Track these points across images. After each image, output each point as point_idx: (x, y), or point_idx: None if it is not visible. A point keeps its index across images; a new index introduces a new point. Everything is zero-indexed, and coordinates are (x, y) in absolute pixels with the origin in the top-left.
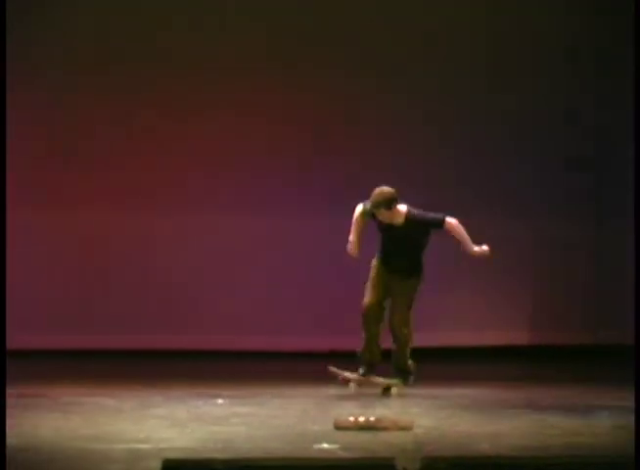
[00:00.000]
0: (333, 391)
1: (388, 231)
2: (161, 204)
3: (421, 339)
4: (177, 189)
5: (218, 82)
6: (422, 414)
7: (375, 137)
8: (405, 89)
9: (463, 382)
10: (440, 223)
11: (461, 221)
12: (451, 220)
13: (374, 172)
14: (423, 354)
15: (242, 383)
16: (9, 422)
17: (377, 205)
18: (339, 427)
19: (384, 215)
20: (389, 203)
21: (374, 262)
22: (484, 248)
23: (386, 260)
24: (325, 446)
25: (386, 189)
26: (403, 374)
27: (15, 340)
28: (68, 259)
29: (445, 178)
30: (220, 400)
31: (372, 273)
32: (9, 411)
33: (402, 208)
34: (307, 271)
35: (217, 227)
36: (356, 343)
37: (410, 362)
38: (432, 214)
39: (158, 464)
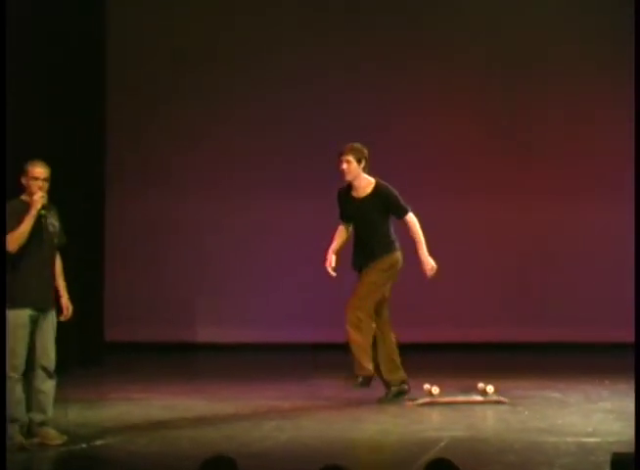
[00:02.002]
0: None
1: (353, 210)
2: None
3: None
4: None
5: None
6: None
7: None
8: None
9: None
10: (405, 211)
11: None
12: (414, 217)
13: None
14: None
15: None
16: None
17: (347, 150)
18: None
19: (352, 175)
20: (359, 153)
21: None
22: (433, 264)
23: (353, 260)
24: None
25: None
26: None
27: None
28: None
29: None
30: None
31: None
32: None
33: (371, 179)
34: None
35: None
36: None
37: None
38: (401, 200)
39: (606, 458)
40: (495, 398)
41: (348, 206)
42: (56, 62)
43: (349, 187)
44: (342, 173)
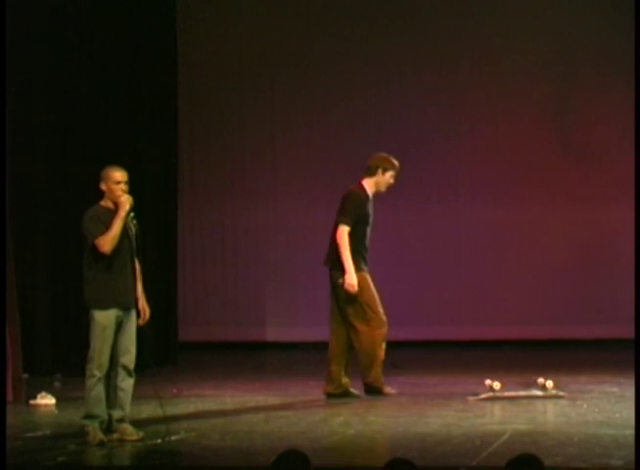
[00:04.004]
0: None
1: (371, 216)
2: None
3: None
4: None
5: None
6: None
7: None
8: None
9: None
10: (337, 222)
11: None
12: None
13: None
14: None
15: None
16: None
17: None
18: None
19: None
20: None
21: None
22: (347, 281)
23: (364, 261)
24: None
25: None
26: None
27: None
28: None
29: None
30: None
31: (367, 284)
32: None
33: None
34: None
35: None
36: None
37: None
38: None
39: None
40: (555, 392)
41: (370, 211)
42: (133, 75)
43: (367, 193)
44: (389, 188)
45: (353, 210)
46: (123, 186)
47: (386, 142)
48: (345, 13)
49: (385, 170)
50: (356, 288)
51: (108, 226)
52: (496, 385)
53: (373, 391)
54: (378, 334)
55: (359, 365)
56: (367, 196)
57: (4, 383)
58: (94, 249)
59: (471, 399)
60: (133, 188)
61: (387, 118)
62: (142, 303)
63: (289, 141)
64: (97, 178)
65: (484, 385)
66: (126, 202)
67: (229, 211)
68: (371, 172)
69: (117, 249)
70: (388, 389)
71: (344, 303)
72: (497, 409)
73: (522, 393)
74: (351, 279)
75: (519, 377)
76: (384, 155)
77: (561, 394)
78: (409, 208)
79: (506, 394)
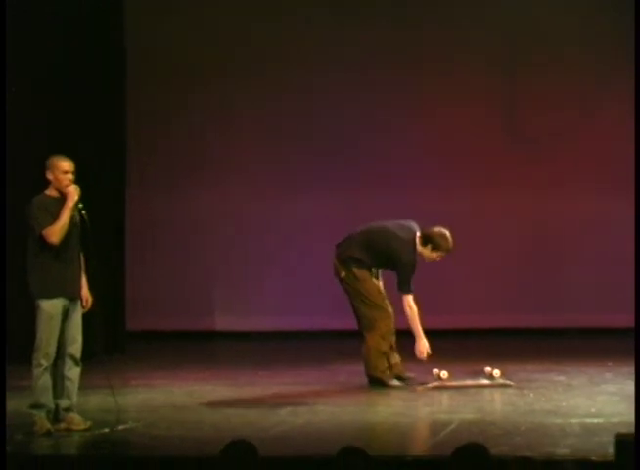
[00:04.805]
0: None
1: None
2: None
3: None
4: None
5: None
6: None
7: None
8: None
9: None
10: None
11: None
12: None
13: None
14: None
15: None
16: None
17: None
18: None
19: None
20: None
21: (360, 272)
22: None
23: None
24: None
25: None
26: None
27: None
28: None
29: None
30: None
31: (367, 277)
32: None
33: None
34: None
35: None
36: None
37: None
38: None
39: (610, 438)
40: (502, 381)
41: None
42: (78, 66)
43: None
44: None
45: (411, 273)
46: (71, 176)
47: (333, 132)
48: (291, 4)
49: (434, 248)
50: (425, 355)
51: (54, 216)
52: (444, 374)
53: (376, 382)
54: (383, 325)
55: (363, 357)
56: (415, 259)
57: (4, 383)
58: (41, 238)
59: (419, 388)
60: (80, 178)
61: (336, 110)
62: (85, 291)
63: (238, 132)
64: (40, 169)
65: (432, 374)
66: (74, 192)
67: (178, 201)
68: (422, 242)
69: (65, 239)
70: (393, 381)
71: (349, 296)
72: (445, 399)
73: (469, 381)
74: (423, 346)
75: (466, 366)
76: (444, 233)
77: (508, 382)
78: (359, 200)
79: (454, 383)
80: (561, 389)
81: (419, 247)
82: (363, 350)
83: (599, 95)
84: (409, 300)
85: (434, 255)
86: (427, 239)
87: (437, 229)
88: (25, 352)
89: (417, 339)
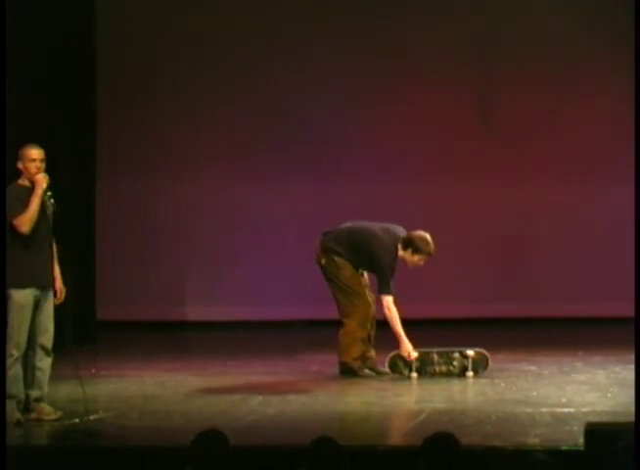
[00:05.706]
0: None
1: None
2: None
3: None
4: None
5: None
6: None
7: None
8: None
9: None
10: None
11: None
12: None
13: None
14: None
15: None
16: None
17: None
18: None
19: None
20: None
21: (341, 260)
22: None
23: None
24: None
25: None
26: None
27: None
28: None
29: None
30: None
31: (345, 265)
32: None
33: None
34: None
35: None
36: None
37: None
38: None
39: (580, 428)
40: (472, 353)
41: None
42: (46, 56)
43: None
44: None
45: (390, 275)
46: (39, 164)
47: (309, 122)
48: None
49: (415, 252)
50: (412, 357)
51: (26, 205)
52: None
53: (348, 371)
54: (361, 313)
55: (338, 342)
56: (395, 262)
57: (4, 382)
58: (12, 228)
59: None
60: (50, 169)
61: (308, 100)
62: (59, 282)
63: (212, 120)
64: (12, 160)
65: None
66: (43, 180)
67: (149, 190)
68: (403, 246)
69: (35, 228)
70: (364, 371)
71: (329, 283)
72: (416, 388)
73: (441, 349)
74: (405, 350)
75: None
76: (424, 237)
77: (481, 351)
78: (330, 191)
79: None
80: (531, 378)
81: (400, 251)
82: (340, 335)
83: (572, 85)
84: (389, 301)
85: (416, 258)
86: (407, 243)
87: (418, 233)
88: None
89: (400, 342)
